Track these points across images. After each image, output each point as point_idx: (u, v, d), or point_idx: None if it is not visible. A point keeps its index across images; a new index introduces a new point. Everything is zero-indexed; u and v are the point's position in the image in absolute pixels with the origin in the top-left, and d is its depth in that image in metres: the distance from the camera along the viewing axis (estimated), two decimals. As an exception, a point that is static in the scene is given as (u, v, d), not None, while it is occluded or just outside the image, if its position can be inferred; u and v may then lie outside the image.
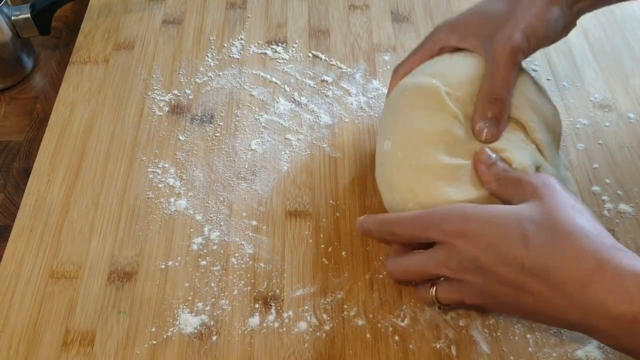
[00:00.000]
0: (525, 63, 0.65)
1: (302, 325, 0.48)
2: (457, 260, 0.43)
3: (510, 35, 0.48)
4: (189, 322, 0.48)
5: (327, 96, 0.64)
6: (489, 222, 0.43)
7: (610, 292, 0.38)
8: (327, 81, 0.65)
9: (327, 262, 0.52)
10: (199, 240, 0.53)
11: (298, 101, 0.63)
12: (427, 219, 0.45)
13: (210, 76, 0.66)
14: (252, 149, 0.59)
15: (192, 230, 0.54)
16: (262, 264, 0.52)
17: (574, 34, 0.68)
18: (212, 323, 0.48)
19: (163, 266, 0.52)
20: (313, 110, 0.63)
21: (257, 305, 0.49)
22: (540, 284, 0.40)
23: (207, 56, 0.68)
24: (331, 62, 0.67)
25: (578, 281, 0.39)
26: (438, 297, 0.46)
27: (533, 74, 0.65)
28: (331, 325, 0.48)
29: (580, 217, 0.41)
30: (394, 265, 0.48)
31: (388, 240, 0.51)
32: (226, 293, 0.50)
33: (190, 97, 0.64)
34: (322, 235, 0.53)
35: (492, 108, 0.48)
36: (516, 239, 0.41)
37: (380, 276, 0.51)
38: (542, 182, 0.44)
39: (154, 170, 0.58)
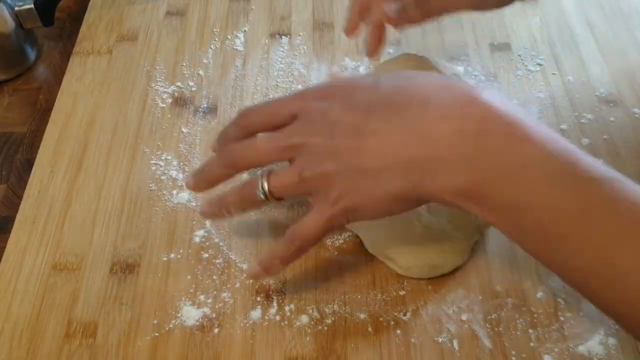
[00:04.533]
0: (530, 57, 0.66)
1: (304, 318, 0.48)
2: (305, 122, 0.42)
3: None
4: (191, 314, 0.48)
5: (330, 89, 0.63)
6: (351, 82, 0.43)
7: (449, 112, 0.38)
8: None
9: (329, 256, 0.52)
10: (201, 232, 0.53)
11: (301, 94, 0.63)
12: (295, 94, 0.45)
13: (214, 68, 0.66)
14: (255, 142, 0.59)
15: (194, 222, 0.54)
16: (264, 257, 0.52)
17: (580, 28, 0.68)
18: (214, 315, 0.48)
19: (165, 258, 0.52)
20: (316, 103, 0.62)
21: (259, 299, 0.49)
22: (382, 119, 0.39)
23: (211, 48, 0.68)
24: (335, 55, 0.67)
25: (419, 105, 0.39)
26: (271, 187, 0.43)
27: (538, 68, 0.65)
28: (333, 318, 0.48)
29: None
30: (222, 155, 0.46)
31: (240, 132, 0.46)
32: (228, 286, 0.50)
33: (193, 89, 0.64)
34: (324, 229, 0.53)
35: None
36: (369, 85, 0.42)
37: (383, 270, 0.51)
38: None
39: (157, 162, 0.58)
